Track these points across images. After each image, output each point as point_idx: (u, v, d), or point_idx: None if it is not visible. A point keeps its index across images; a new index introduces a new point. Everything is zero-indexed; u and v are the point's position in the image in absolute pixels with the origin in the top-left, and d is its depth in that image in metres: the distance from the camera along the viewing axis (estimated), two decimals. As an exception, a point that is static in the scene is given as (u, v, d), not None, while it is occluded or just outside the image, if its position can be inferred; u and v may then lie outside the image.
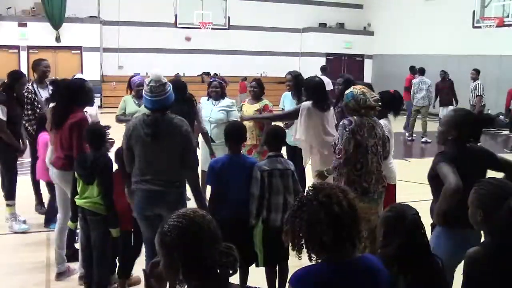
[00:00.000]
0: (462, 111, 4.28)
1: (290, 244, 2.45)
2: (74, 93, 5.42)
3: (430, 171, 4.02)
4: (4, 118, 6.68)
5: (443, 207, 3.66)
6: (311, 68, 19.69)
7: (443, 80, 16.42)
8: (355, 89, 4.95)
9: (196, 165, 4.77)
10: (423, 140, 15.47)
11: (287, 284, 2.46)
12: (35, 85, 7.39)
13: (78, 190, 4.97)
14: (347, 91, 5.04)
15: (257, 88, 7.60)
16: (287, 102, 7.89)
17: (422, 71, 16.12)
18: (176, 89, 5.19)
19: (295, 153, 7.51)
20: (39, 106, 7.23)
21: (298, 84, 7.69)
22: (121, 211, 5.03)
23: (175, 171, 4.60)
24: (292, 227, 2.42)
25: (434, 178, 3.89)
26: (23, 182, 7.43)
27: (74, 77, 6.94)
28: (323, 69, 16.75)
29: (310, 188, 2.48)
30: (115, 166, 5.03)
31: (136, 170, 4.60)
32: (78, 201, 4.97)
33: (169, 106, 4.60)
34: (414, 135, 15.94)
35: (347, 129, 4.77)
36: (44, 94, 7.27)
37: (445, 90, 16.17)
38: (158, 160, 4.51)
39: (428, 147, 15.29)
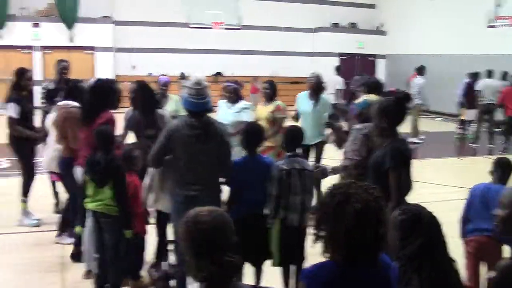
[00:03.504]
0: (384, 99, 4.44)
1: (313, 229, 2.43)
2: (103, 94, 5.56)
3: (379, 163, 4.13)
4: (15, 116, 6.81)
5: None
6: (323, 68, 19.65)
7: (474, 81, 16.17)
8: (369, 97, 5.02)
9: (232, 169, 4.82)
10: (409, 140, 14.82)
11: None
12: (52, 83, 7.77)
13: (88, 193, 4.96)
14: (359, 100, 5.09)
15: (269, 89, 7.62)
16: (303, 102, 7.93)
17: (419, 70, 15.89)
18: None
19: (309, 152, 7.57)
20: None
21: (319, 86, 7.84)
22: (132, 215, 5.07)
23: (214, 174, 4.68)
24: (318, 219, 2.40)
25: (383, 171, 4.05)
26: (41, 181, 7.50)
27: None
28: (337, 69, 16.74)
29: (347, 189, 2.37)
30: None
31: (175, 172, 4.62)
32: (90, 205, 4.95)
33: (209, 110, 4.65)
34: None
35: (362, 133, 4.80)
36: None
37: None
38: (200, 162, 4.54)
39: (430, 147, 15.20)
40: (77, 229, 5.35)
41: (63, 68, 7.81)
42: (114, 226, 4.89)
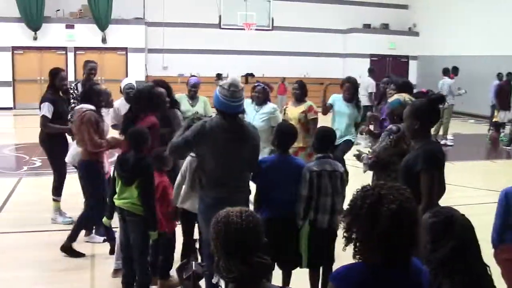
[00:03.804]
0: (415, 101, 4.38)
1: (344, 232, 2.39)
2: (142, 100, 5.63)
3: (410, 165, 4.06)
4: (48, 115, 6.95)
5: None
6: (355, 70, 19.51)
7: (506, 82, 15.94)
8: (402, 96, 4.96)
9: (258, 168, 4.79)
10: (442, 142, 14.76)
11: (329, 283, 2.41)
12: (79, 84, 7.86)
13: (117, 189, 4.98)
14: (392, 99, 5.04)
15: (299, 90, 7.59)
16: (338, 104, 7.95)
17: (445, 71, 15.82)
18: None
19: (336, 148, 7.60)
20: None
21: (355, 91, 7.99)
22: (160, 213, 5.09)
23: (245, 176, 4.63)
24: (349, 222, 2.36)
25: (414, 174, 3.98)
26: (71, 180, 7.59)
27: (126, 82, 7.42)
28: (370, 71, 16.61)
29: (378, 190, 2.33)
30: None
31: (207, 174, 4.54)
32: (117, 202, 4.97)
33: (242, 112, 4.62)
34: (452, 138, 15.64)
35: (391, 137, 4.74)
36: None
37: (507, 93, 15.62)
38: (232, 165, 4.47)
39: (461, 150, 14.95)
40: (104, 220, 5.40)
41: (91, 68, 7.90)
42: (139, 225, 4.88)
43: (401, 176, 4.20)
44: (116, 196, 4.99)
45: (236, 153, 4.46)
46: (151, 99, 5.67)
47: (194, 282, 5.34)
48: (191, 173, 5.07)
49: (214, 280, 4.48)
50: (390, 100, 5.17)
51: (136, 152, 4.92)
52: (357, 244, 2.33)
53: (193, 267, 5.52)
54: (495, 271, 2.94)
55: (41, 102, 7.12)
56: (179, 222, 5.47)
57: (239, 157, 4.48)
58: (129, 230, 4.93)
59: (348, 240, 2.36)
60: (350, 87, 7.87)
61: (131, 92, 7.36)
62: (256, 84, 7.69)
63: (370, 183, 2.46)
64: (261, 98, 7.45)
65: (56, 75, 7.23)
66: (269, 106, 7.50)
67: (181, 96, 7.67)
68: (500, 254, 4.16)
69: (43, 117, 7.01)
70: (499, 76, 16.49)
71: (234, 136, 4.43)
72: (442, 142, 14.53)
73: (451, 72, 16.33)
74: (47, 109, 6.98)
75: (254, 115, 7.36)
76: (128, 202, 4.87)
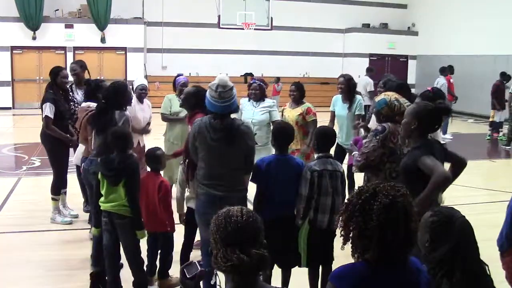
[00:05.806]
0: (422, 103, 4.41)
1: (341, 230, 2.40)
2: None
3: (407, 165, 4.12)
4: (51, 116, 6.93)
5: (433, 195, 3.94)
6: (354, 69, 19.50)
7: (501, 81, 15.97)
8: (388, 95, 4.90)
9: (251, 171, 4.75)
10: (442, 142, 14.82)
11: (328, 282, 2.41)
12: (73, 85, 7.78)
13: (103, 192, 4.91)
14: (379, 98, 4.97)
15: (296, 91, 7.50)
16: (338, 105, 7.88)
17: (442, 70, 15.91)
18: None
19: (344, 153, 7.54)
20: (75, 103, 7.47)
21: (350, 87, 7.76)
22: (150, 213, 5.09)
23: (238, 176, 4.59)
24: (345, 219, 2.37)
25: (413, 171, 4.03)
26: (72, 179, 7.60)
27: (139, 83, 7.56)
28: (369, 70, 16.62)
29: (374, 187, 2.36)
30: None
31: (199, 173, 4.58)
32: (104, 205, 4.90)
33: (234, 110, 4.59)
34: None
35: (377, 137, 4.70)
36: (81, 93, 7.50)
37: (503, 92, 15.69)
38: (222, 165, 4.47)
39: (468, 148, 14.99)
40: (93, 230, 5.36)
41: (74, 70, 7.81)
42: (129, 227, 4.85)
43: (401, 177, 4.20)
44: (102, 199, 4.91)
45: (227, 154, 4.46)
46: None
47: (197, 282, 5.33)
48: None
49: (212, 281, 4.47)
50: (376, 99, 5.09)
51: (120, 152, 4.87)
52: (354, 241, 2.34)
53: (198, 267, 5.49)
54: (495, 271, 2.94)
55: (42, 103, 7.12)
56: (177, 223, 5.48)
57: (230, 157, 4.48)
58: (118, 233, 4.89)
59: (345, 238, 2.38)
60: (343, 82, 7.73)
61: (143, 93, 7.37)
62: (251, 82, 7.69)
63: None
64: (258, 94, 7.44)
65: (58, 73, 7.22)
66: (268, 101, 7.53)
67: (171, 96, 7.60)
68: (507, 257, 4.02)
69: (46, 118, 7.00)
70: (505, 76, 16.42)
71: (222, 136, 4.42)
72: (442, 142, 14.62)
73: (447, 71, 16.41)
74: (49, 110, 6.97)
75: (254, 110, 7.36)
76: (116, 204, 4.82)
